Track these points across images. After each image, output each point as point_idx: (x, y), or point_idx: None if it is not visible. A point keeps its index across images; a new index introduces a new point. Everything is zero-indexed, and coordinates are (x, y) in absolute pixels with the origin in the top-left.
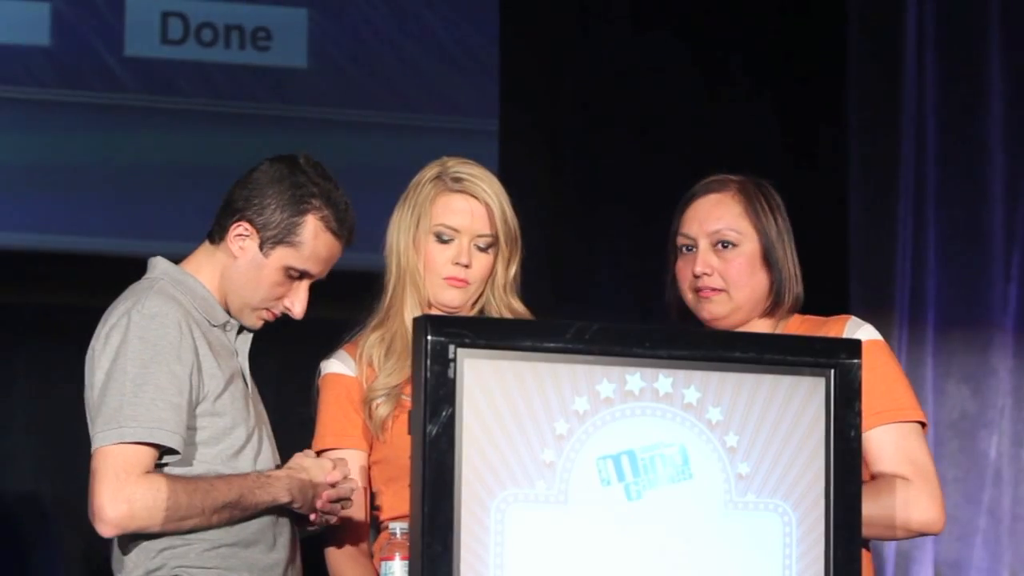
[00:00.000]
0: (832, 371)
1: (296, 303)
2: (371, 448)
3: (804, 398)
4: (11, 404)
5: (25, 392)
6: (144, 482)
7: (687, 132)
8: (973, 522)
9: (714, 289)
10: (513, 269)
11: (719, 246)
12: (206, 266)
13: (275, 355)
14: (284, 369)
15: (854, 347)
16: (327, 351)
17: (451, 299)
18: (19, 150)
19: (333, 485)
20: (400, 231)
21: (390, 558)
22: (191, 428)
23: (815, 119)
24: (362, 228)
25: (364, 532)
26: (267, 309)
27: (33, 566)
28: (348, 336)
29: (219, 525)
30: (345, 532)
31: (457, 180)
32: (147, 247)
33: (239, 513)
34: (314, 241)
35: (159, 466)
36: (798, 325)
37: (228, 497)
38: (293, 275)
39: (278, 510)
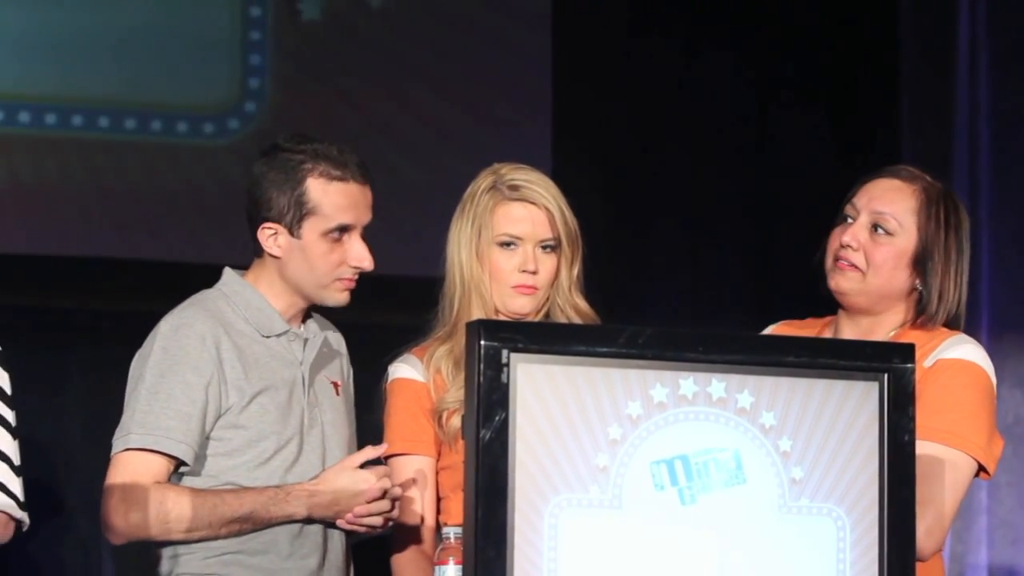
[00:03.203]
0: (885, 375)
1: (362, 259)
2: (439, 454)
3: (857, 402)
4: (65, 406)
5: (79, 395)
6: (148, 492)
7: (740, 141)
8: None
9: (852, 265)
10: (576, 268)
11: (876, 229)
12: (263, 277)
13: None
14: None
15: (907, 352)
16: (381, 355)
17: (521, 306)
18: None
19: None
20: (461, 243)
21: (444, 563)
22: (215, 439)
23: (868, 126)
24: (420, 243)
25: (429, 537)
26: (337, 279)
27: (91, 566)
28: (415, 342)
29: (229, 536)
30: (410, 536)
31: (514, 188)
32: (201, 256)
33: (250, 527)
34: (326, 197)
35: (181, 475)
36: (908, 333)
37: (238, 512)
38: (335, 237)
39: (306, 520)
